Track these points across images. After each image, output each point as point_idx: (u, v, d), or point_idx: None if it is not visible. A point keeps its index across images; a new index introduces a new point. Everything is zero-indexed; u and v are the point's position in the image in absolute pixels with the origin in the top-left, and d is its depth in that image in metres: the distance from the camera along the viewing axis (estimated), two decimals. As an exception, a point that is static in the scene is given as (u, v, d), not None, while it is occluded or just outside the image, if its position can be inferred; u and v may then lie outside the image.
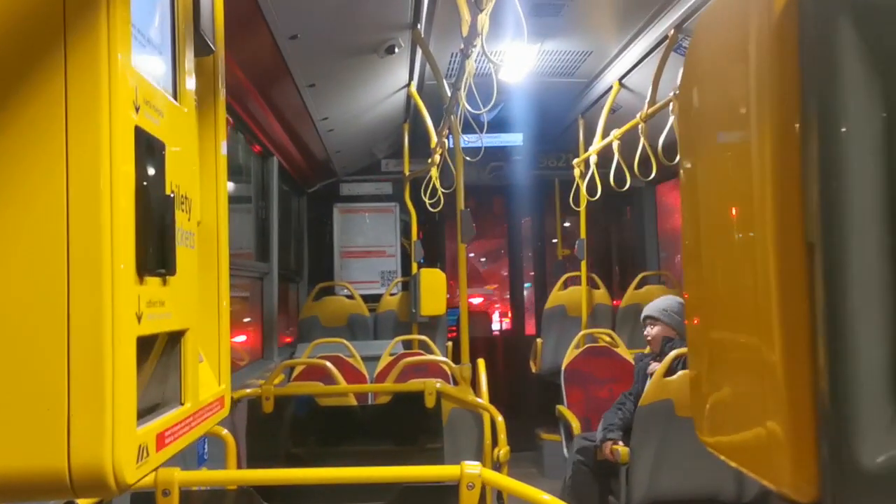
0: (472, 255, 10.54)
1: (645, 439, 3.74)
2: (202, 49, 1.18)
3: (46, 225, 0.76)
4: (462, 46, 3.50)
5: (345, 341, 5.54)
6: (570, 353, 5.91)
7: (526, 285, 8.87)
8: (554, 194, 8.08)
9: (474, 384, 4.39)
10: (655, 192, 7.79)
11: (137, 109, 0.84)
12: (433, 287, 6.04)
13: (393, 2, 3.85)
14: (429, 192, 6.35)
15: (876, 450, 0.58)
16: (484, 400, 3.98)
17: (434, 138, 5.53)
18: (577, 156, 6.48)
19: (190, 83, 1.10)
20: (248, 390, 3.73)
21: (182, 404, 1.01)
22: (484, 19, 2.89)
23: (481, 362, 4.60)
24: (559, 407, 5.69)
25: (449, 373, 4.80)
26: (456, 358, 5.02)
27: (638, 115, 4.75)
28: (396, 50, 4.45)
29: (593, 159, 5.83)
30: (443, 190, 6.13)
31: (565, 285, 7.23)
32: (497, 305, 10.25)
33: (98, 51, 0.77)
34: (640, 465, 3.76)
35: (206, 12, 1.16)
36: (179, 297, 0.97)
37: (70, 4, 0.77)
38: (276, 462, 3.70)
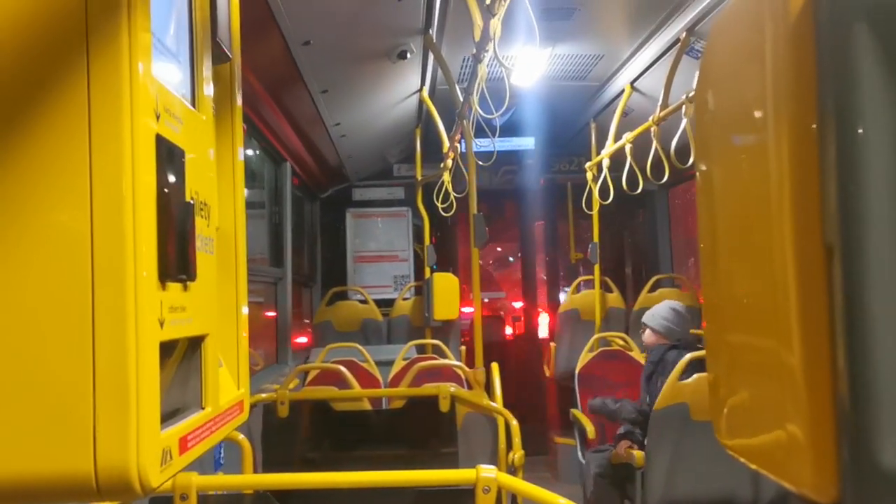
0: (490, 261, 10.54)
1: (660, 443, 3.73)
2: (219, 57, 1.19)
3: (71, 233, 0.77)
4: (474, 51, 3.51)
5: (358, 346, 5.55)
6: (584, 357, 5.90)
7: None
8: (566, 198, 8.07)
9: (488, 388, 4.39)
10: (668, 195, 7.77)
11: (158, 118, 0.85)
12: (446, 291, 6.04)
13: (405, 7, 3.86)
14: (441, 196, 6.35)
15: (896, 451, 0.58)
16: (498, 404, 3.97)
17: (446, 143, 5.54)
18: (590, 159, 6.47)
19: (208, 91, 1.11)
20: (264, 395, 3.75)
21: (203, 408, 1.03)
22: (496, 24, 2.90)
23: (495, 366, 4.59)
24: (573, 411, 5.68)
25: (463, 377, 4.80)
26: (470, 362, 5.02)
27: (650, 119, 4.74)
28: (408, 55, 4.47)
29: (606, 163, 5.82)
30: (455, 194, 6.14)
31: (578, 289, 7.22)
32: (511, 308, 10.24)
33: (120, 60, 0.78)
34: (656, 469, 3.75)
35: (223, 20, 1.17)
36: (200, 302, 0.99)
37: (92, 15, 0.78)
38: (291, 466, 3.71)
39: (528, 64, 4.87)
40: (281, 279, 5.76)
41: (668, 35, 4.45)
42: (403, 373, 4.93)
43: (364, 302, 7.19)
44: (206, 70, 1.11)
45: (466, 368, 4.57)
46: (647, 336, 4.63)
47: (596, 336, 6.17)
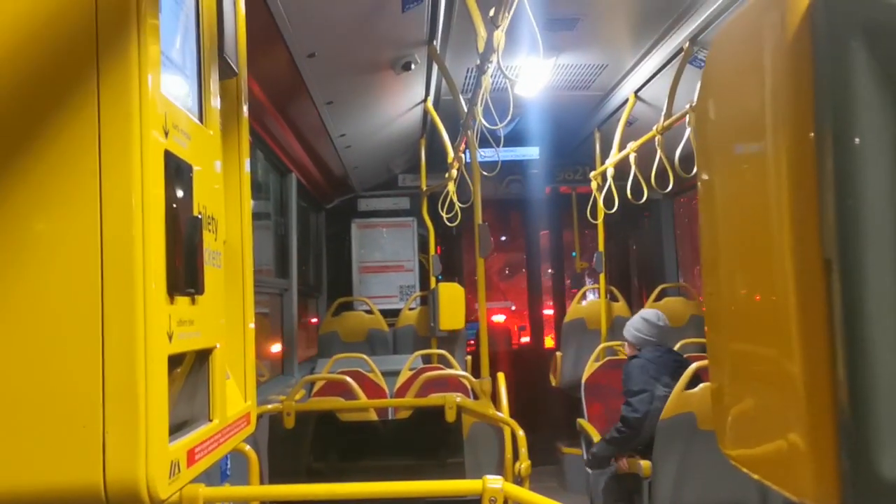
0: (497, 272, 10.55)
1: (667, 453, 3.73)
2: (226, 72, 1.21)
3: (81, 247, 0.78)
4: (478, 62, 3.53)
5: (364, 356, 5.54)
6: (590, 367, 5.89)
7: None
8: (571, 207, 8.08)
9: (494, 398, 4.38)
10: (673, 204, 7.78)
11: (167, 134, 0.87)
12: (452, 301, 6.04)
13: (409, 19, 3.88)
14: (446, 206, 6.36)
15: (896, 460, 0.59)
16: (504, 414, 3.97)
17: (451, 153, 5.55)
18: (594, 169, 6.48)
19: (215, 105, 1.12)
20: (270, 406, 3.75)
21: (210, 421, 1.04)
22: (500, 35, 2.91)
23: (501, 376, 4.59)
24: (580, 420, 5.67)
25: (469, 387, 4.79)
26: (476, 372, 5.02)
27: (654, 128, 4.75)
28: (413, 66, 4.49)
29: (610, 172, 5.83)
30: (460, 204, 6.14)
31: (584, 298, 7.21)
32: (516, 318, 10.23)
33: (129, 78, 0.80)
34: (663, 479, 3.74)
35: (229, 36, 1.19)
36: (207, 315, 1.00)
37: (102, 34, 0.80)
38: (297, 477, 3.71)
39: (531, 74, 4.88)
40: (286, 290, 5.77)
41: (671, 45, 4.47)
42: (409, 383, 4.93)
43: (370, 312, 7.19)
44: (214, 85, 1.13)
45: (472, 378, 4.57)
46: (627, 349, 4.74)
47: (602, 345, 6.17)
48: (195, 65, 1.06)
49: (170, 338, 0.85)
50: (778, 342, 0.67)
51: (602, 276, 6.76)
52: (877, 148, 0.59)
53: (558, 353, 7.07)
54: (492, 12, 2.83)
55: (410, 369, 5.59)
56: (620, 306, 7.05)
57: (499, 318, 9.65)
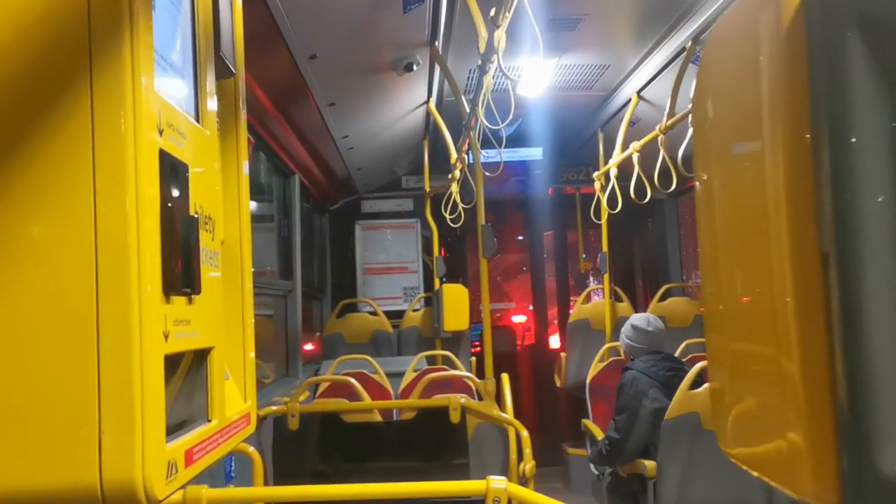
0: (499, 273, 10.54)
1: (672, 453, 3.71)
2: (223, 72, 1.21)
3: (75, 247, 0.78)
4: (479, 63, 3.53)
5: (369, 358, 5.55)
6: (595, 367, 5.88)
7: None
8: (575, 208, 8.07)
9: (499, 399, 4.38)
10: (677, 203, 7.76)
11: (161, 133, 0.86)
12: (456, 302, 6.04)
13: (410, 20, 3.88)
14: (449, 207, 6.36)
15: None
16: (509, 415, 3.96)
17: (454, 154, 5.55)
18: (598, 169, 6.47)
19: (212, 105, 1.12)
20: (274, 408, 3.75)
21: (209, 421, 1.03)
22: (500, 35, 2.91)
23: (505, 377, 4.59)
24: (585, 421, 5.66)
25: (473, 388, 4.79)
26: (480, 373, 5.01)
27: (657, 128, 4.74)
28: (415, 67, 4.49)
29: (613, 172, 5.82)
30: (463, 205, 6.14)
31: (588, 299, 7.21)
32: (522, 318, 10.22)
33: (122, 78, 0.80)
34: (668, 479, 3.73)
35: (226, 36, 1.19)
36: (205, 315, 0.99)
37: (95, 34, 0.80)
38: (301, 479, 3.71)
39: (534, 74, 4.88)
40: (290, 292, 5.78)
41: (673, 44, 4.46)
42: (414, 384, 4.93)
43: (374, 314, 7.19)
44: (210, 85, 1.13)
45: (477, 379, 4.57)
46: (624, 357, 4.67)
47: (606, 346, 6.16)
48: (191, 64, 1.05)
49: (166, 337, 0.85)
50: (776, 340, 0.67)
51: (606, 277, 6.75)
52: (873, 141, 0.58)
53: (563, 354, 7.07)
54: (492, 12, 2.82)
55: (415, 370, 5.59)
56: (625, 307, 7.04)
57: (519, 319, 9.61)
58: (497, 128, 3.70)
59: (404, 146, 6.75)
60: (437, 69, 4.83)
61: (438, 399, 3.88)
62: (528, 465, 3.48)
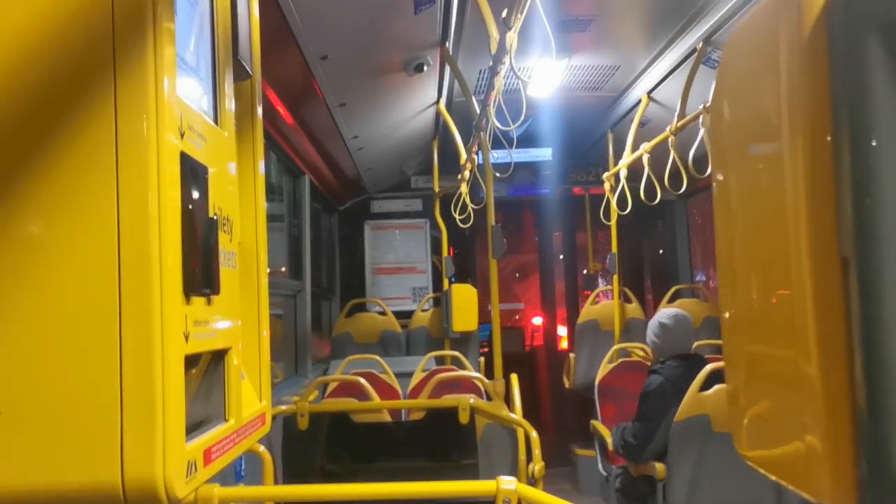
0: (513, 273, 10.55)
1: (681, 455, 3.71)
2: (240, 74, 1.22)
3: (99, 249, 0.79)
4: (490, 63, 3.53)
5: (378, 358, 5.55)
6: (604, 368, 5.88)
7: None
8: (584, 208, 8.07)
9: (508, 399, 4.38)
10: (687, 204, 7.75)
11: (182, 135, 0.87)
12: (465, 303, 6.05)
13: (421, 20, 3.89)
14: (459, 208, 6.37)
15: (915, 461, 0.58)
16: (518, 415, 3.97)
17: (463, 154, 5.55)
18: (607, 170, 6.47)
19: (230, 107, 1.13)
20: (283, 407, 3.76)
21: (226, 421, 1.04)
22: (512, 37, 2.91)
23: (514, 377, 4.59)
24: (593, 422, 5.65)
25: (482, 388, 4.79)
26: (489, 373, 5.02)
27: (667, 129, 4.73)
28: (425, 68, 4.49)
29: (623, 173, 5.82)
30: (473, 206, 6.15)
31: (597, 300, 7.21)
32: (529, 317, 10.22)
33: (146, 81, 0.81)
34: (678, 482, 3.73)
35: (244, 39, 1.20)
36: (223, 316, 1.00)
37: (119, 38, 0.81)
38: (311, 478, 3.72)
39: (544, 75, 4.88)
40: (300, 291, 5.79)
41: (684, 45, 4.45)
42: (423, 384, 4.94)
43: (383, 314, 7.21)
44: (228, 87, 1.14)
45: (486, 380, 4.57)
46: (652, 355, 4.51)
47: (615, 347, 6.15)
48: (210, 67, 1.06)
49: (186, 338, 0.86)
50: (795, 343, 0.67)
51: (615, 278, 6.74)
52: (894, 146, 0.59)
53: (572, 355, 7.07)
54: (504, 14, 2.83)
55: (423, 371, 5.59)
56: (634, 308, 7.04)
57: (538, 321, 9.59)
58: (508, 129, 3.71)
59: (414, 146, 6.76)
60: (448, 70, 4.83)
61: (447, 399, 3.89)
62: (538, 465, 3.48)
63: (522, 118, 3.50)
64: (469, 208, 6.22)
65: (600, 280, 8.64)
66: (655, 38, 4.64)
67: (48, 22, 0.80)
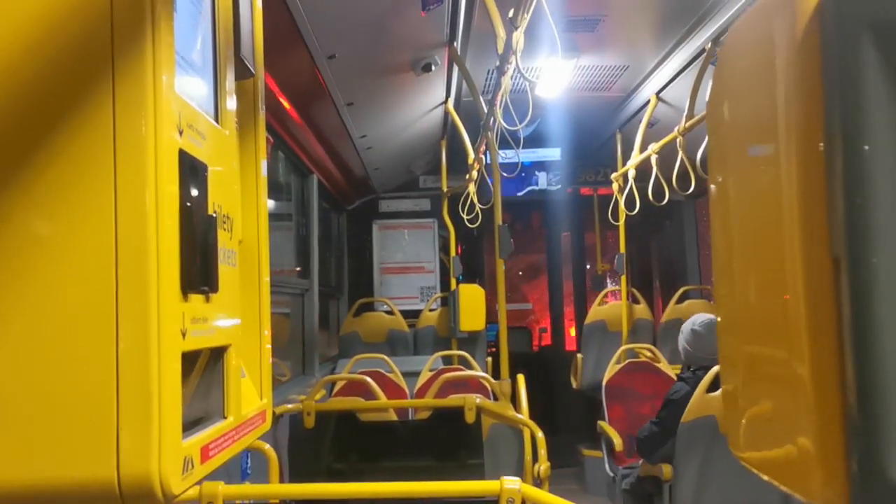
0: (519, 272, 10.55)
1: (688, 456, 3.70)
2: (243, 73, 1.22)
3: (95, 245, 0.79)
4: (498, 63, 3.53)
5: (385, 357, 5.56)
6: (611, 369, 5.87)
7: None
8: (593, 209, 8.06)
9: (514, 400, 4.38)
10: (695, 205, 7.73)
11: (181, 133, 0.88)
12: (472, 302, 6.05)
13: (429, 20, 3.89)
14: (467, 207, 6.37)
15: (905, 463, 0.58)
16: (524, 415, 3.96)
17: (471, 154, 5.56)
18: (616, 170, 6.46)
19: (231, 106, 1.13)
20: (290, 405, 3.77)
21: (225, 418, 1.05)
22: (519, 36, 2.91)
23: (521, 378, 4.58)
24: (600, 423, 5.65)
25: (489, 388, 4.80)
26: (496, 373, 5.03)
27: (676, 129, 4.72)
28: (433, 67, 4.49)
29: (631, 174, 5.81)
30: (481, 206, 6.15)
31: (605, 300, 7.20)
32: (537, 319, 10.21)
33: (144, 78, 0.81)
34: (684, 483, 3.72)
35: (246, 38, 1.20)
36: (222, 313, 1.01)
37: (117, 35, 0.81)
38: (317, 477, 3.73)
39: (552, 75, 4.88)
40: (307, 290, 5.80)
41: (693, 45, 4.44)
42: (429, 384, 4.94)
43: (390, 313, 7.22)
44: (230, 86, 1.14)
45: (492, 380, 4.57)
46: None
47: (623, 347, 6.14)
48: (211, 65, 1.07)
49: (183, 335, 0.86)
50: (787, 344, 0.67)
51: (623, 278, 6.73)
52: (886, 145, 0.59)
53: (579, 355, 7.06)
54: (511, 13, 2.83)
55: (431, 370, 5.60)
56: (642, 308, 7.02)
57: (546, 321, 9.58)
58: (515, 128, 3.71)
59: (422, 146, 6.76)
60: (456, 69, 4.84)
61: (454, 399, 3.89)
62: (543, 465, 3.48)
63: (529, 118, 3.50)
64: (477, 208, 6.23)
65: (608, 280, 8.63)
66: (664, 39, 4.63)
67: (46, 17, 0.80)
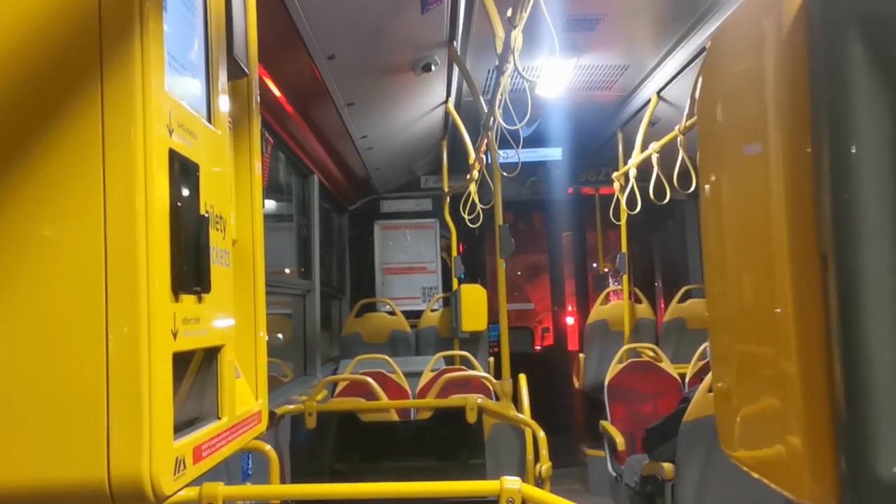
0: (518, 272, 10.54)
1: (690, 456, 3.69)
2: (236, 72, 1.22)
3: (85, 246, 0.79)
4: (497, 63, 3.53)
5: (387, 357, 5.57)
6: (614, 369, 5.86)
7: None
8: (594, 208, 8.05)
9: (516, 400, 4.38)
10: (697, 204, 7.72)
11: (171, 132, 0.87)
12: (474, 303, 6.05)
13: (429, 20, 3.89)
14: (468, 207, 6.37)
15: (893, 460, 0.58)
16: (526, 415, 3.96)
17: (472, 154, 5.56)
18: (617, 169, 6.45)
19: (224, 106, 1.13)
20: (292, 406, 3.77)
21: (219, 418, 1.04)
22: (517, 35, 2.91)
23: (522, 378, 4.58)
24: (603, 422, 5.64)
25: (491, 388, 4.79)
26: (497, 373, 5.02)
27: (676, 128, 4.71)
28: (433, 67, 4.49)
29: (633, 173, 5.80)
30: (482, 206, 6.14)
31: (607, 300, 7.19)
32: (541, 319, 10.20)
33: (133, 77, 0.81)
34: (686, 483, 3.71)
35: (238, 37, 1.20)
36: (215, 314, 1.00)
37: (105, 33, 0.81)
38: (319, 477, 3.73)
39: (552, 75, 4.87)
40: (309, 291, 5.80)
41: (693, 44, 4.44)
42: (431, 384, 4.94)
43: (392, 313, 7.22)
44: (223, 86, 1.14)
45: (494, 380, 4.57)
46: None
47: (625, 347, 6.14)
48: (203, 65, 1.06)
49: (175, 335, 0.86)
50: (777, 342, 0.67)
51: (625, 278, 6.72)
52: (873, 141, 0.58)
53: (581, 355, 7.06)
54: (509, 13, 2.82)
55: (432, 370, 5.60)
56: (644, 308, 7.02)
57: (548, 321, 9.57)
58: (515, 128, 3.70)
59: (423, 146, 6.76)
60: (456, 69, 4.83)
61: (455, 399, 3.89)
62: (545, 465, 3.47)
63: (529, 118, 3.49)
64: (478, 208, 6.23)
65: (611, 280, 8.62)
66: (664, 37, 4.63)
67: (34, 18, 0.80)
